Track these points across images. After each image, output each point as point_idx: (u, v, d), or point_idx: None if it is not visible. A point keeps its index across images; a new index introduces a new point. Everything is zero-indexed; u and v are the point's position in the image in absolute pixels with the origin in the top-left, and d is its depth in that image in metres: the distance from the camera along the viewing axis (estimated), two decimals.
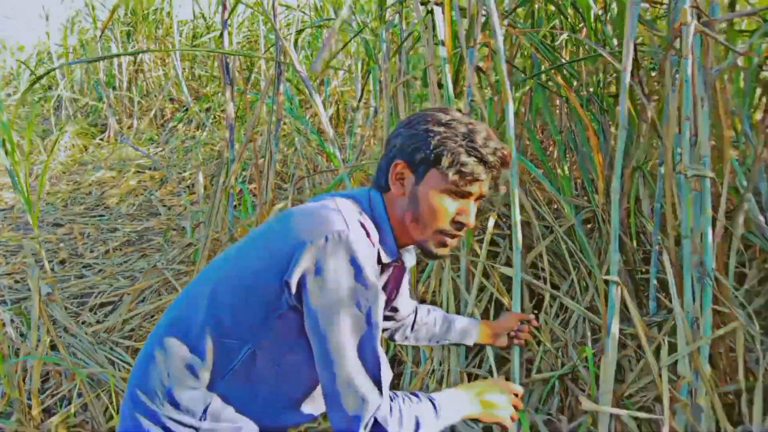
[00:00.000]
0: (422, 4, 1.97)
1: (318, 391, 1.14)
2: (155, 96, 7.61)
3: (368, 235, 1.07)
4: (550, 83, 2.58)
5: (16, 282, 3.52)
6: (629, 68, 1.48)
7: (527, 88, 2.74)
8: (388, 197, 1.17)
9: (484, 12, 1.82)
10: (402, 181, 1.15)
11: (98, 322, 2.70)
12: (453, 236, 1.13)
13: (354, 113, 3.95)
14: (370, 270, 1.02)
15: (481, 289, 2.38)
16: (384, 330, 1.48)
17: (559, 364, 2.13)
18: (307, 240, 1.00)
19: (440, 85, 1.97)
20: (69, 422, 2.12)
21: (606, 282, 1.63)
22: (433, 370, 2.00)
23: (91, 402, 2.13)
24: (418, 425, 1.05)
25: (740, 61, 2.04)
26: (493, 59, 2.20)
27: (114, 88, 7.61)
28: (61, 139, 6.34)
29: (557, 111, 2.99)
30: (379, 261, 1.12)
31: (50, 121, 7.47)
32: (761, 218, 1.92)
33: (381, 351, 1.04)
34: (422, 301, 2.32)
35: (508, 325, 1.50)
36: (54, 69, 4.21)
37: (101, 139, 7.04)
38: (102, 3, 8.10)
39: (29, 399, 2.07)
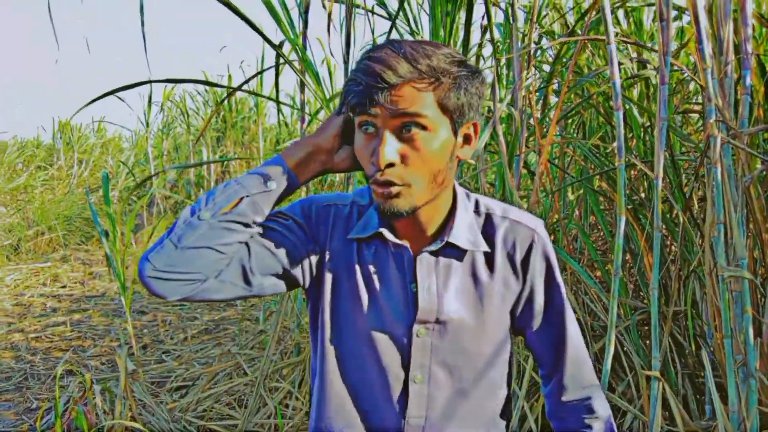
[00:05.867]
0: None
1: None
2: None
3: (343, 205, 1.07)
4: (603, 188, 2.73)
5: (102, 364, 3.81)
6: (661, 175, 1.62)
7: (581, 191, 2.89)
8: None
9: (529, 124, 2.02)
10: None
11: (174, 401, 2.90)
12: (378, 182, 0.92)
13: None
14: (295, 208, 1.07)
15: None
16: None
17: None
18: None
19: (492, 186, 2.15)
20: None
21: (648, 379, 1.68)
22: None
23: None
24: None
25: None
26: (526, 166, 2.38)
27: (202, 188, 8.28)
28: (151, 233, 6.88)
29: (614, 213, 3.10)
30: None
31: (142, 216, 8.16)
32: None
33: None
34: None
35: None
36: (154, 175, 4.64)
37: None
38: (195, 111, 8.98)
39: None
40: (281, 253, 1.02)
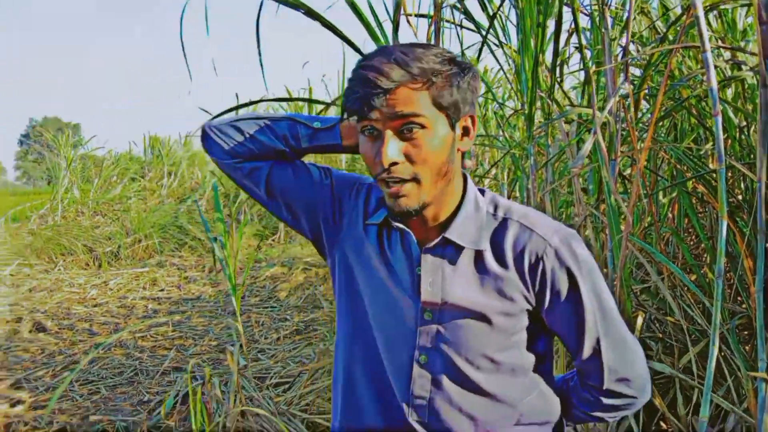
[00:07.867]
0: (566, 122, 2.24)
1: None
2: None
3: (367, 187, 1.16)
4: (698, 191, 2.69)
5: (203, 361, 4.06)
6: (764, 179, 1.62)
7: (674, 194, 2.86)
8: None
9: (623, 128, 2.05)
10: None
11: (278, 395, 3.09)
12: (387, 182, 0.98)
13: None
14: (345, 179, 1.19)
15: None
16: None
17: None
18: None
19: (585, 191, 2.19)
20: None
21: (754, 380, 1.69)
22: None
23: None
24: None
25: None
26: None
27: None
28: (240, 239, 7.23)
29: (708, 216, 3.05)
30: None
31: (229, 223, 8.55)
32: None
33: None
34: None
35: None
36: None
37: (273, 240, 7.91)
38: None
39: None
40: (299, 188, 1.16)
